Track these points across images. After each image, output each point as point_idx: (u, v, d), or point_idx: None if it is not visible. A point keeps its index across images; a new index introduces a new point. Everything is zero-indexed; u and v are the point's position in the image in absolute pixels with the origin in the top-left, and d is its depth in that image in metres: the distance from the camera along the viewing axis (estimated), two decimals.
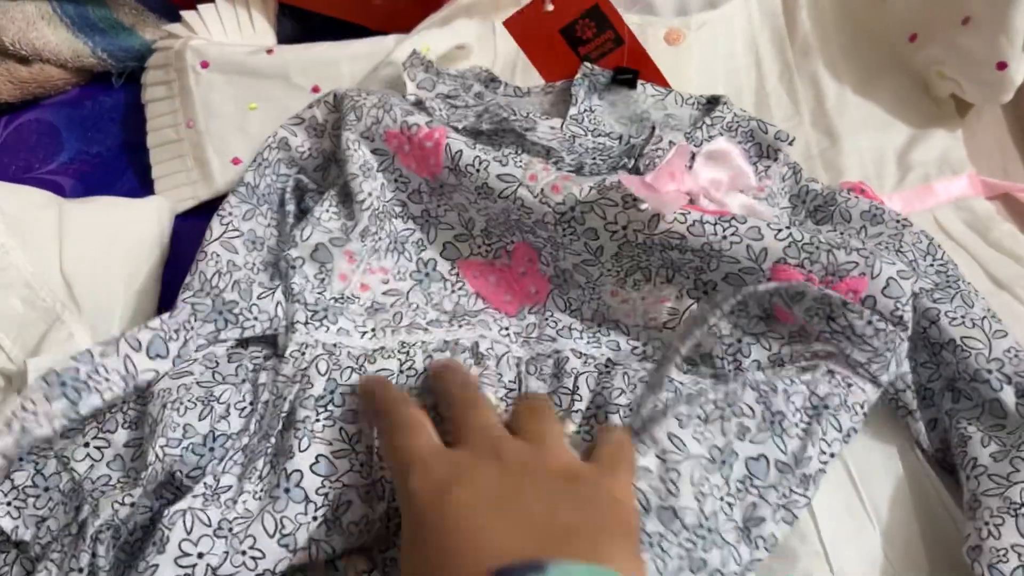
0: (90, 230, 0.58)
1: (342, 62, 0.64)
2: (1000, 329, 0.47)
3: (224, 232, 0.52)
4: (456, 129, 0.54)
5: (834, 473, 0.47)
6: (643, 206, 0.48)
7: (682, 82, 0.63)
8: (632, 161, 0.54)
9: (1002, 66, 0.57)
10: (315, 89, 0.63)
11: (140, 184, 0.66)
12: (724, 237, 0.46)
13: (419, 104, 0.56)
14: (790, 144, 0.55)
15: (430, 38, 0.63)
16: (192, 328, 0.47)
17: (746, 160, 0.52)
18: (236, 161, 0.64)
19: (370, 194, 0.52)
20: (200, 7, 0.67)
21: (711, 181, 0.50)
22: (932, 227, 0.57)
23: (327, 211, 0.53)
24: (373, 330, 0.51)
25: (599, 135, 0.57)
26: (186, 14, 0.67)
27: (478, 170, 0.51)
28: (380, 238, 0.54)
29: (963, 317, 0.47)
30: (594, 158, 0.54)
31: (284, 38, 0.71)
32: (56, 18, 0.71)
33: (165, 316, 0.47)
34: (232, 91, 0.63)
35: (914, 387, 0.48)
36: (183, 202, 0.64)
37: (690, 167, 0.51)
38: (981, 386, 0.45)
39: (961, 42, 0.58)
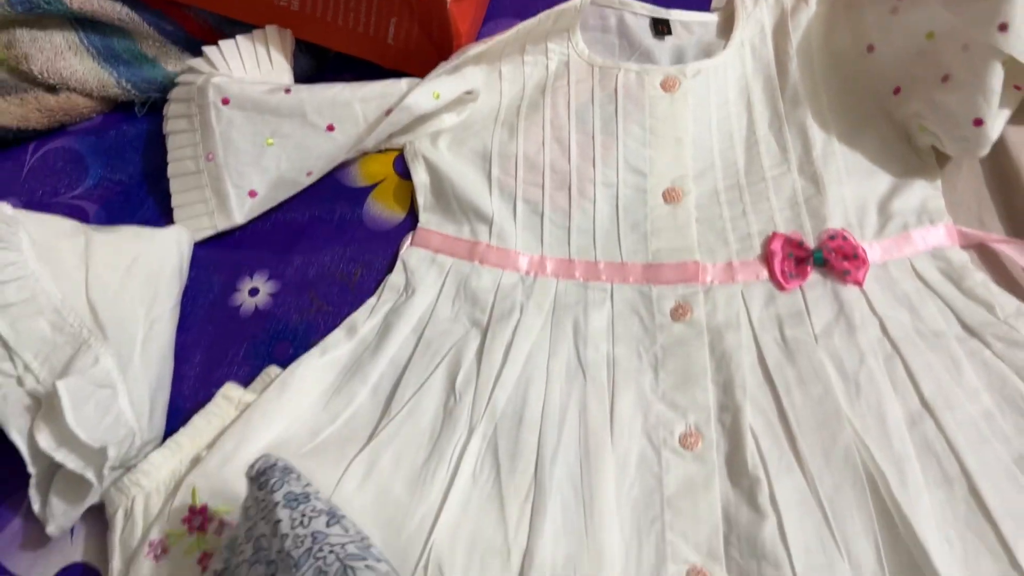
0: (114, 258, 0.61)
1: (355, 103, 0.67)
2: None
3: None
4: None
5: (807, 507, 0.51)
6: None
7: (677, 126, 0.67)
8: None
9: (979, 123, 0.60)
10: (330, 127, 0.67)
11: (160, 211, 0.70)
12: None
13: None
14: None
15: (440, 85, 0.67)
16: None
17: None
18: (253, 193, 0.67)
19: None
20: (221, 43, 0.71)
21: None
22: (910, 274, 0.60)
23: None
24: None
25: None
26: (207, 49, 0.71)
27: None
28: None
29: None
30: None
31: (300, 73, 0.75)
32: (83, 48, 0.74)
33: None
34: (251, 127, 0.67)
35: None
36: (201, 231, 0.67)
37: None
38: None
39: (941, 98, 0.62)
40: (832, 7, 0.71)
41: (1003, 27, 0.58)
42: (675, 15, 0.73)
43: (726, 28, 0.73)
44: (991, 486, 0.51)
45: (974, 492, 0.51)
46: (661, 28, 0.73)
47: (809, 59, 0.69)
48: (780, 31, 0.71)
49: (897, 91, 0.66)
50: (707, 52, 0.72)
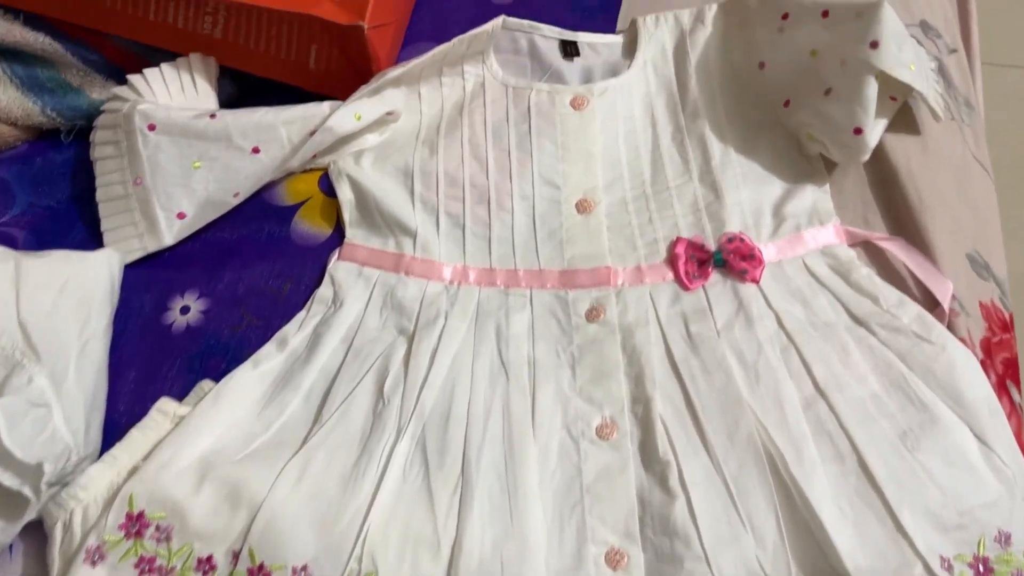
0: (46, 280, 0.62)
1: (279, 125, 0.70)
2: None
3: None
4: None
5: (714, 487, 0.55)
6: None
7: (587, 141, 0.72)
8: None
9: (858, 131, 0.66)
10: (255, 150, 0.69)
11: (90, 235, 0.71)
12: None
13: None
14: None
15: (361, 107, 0.70)
16: None
17: None
18: (181, 215, 0.69)
19: None
20: (146, 71, 0.73)
21: None
22: (802, 271, 0.66)
23: None
24: None
25: None
26: (132, 78, 0.73)
27: None
28: None
29: None
30: None
31: (224, 99, 0.77)
32: (6, 78, 0.75)
33: None
34: (177, 151, 0.69)
35: None
36: (132, 253, 0.69)
37: None
38: None
39: (825, 110, 0.68)
40: (727, 27, 0.77)
41: (874, 44, 0.64)
42: (583, 37, 0.78)
43: (630, 49, 0.78)
44: (878, 459, 0.56)
45: (863, 465, 0.56)
46: (569, 50, 0.78)
47: (707, 75, 0.75)
48: (680, 50, 0.77)
49: (787, 103, 0.72)
50: (613, 71, 0.77)
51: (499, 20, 0.75)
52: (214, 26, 0.75)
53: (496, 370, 0.62)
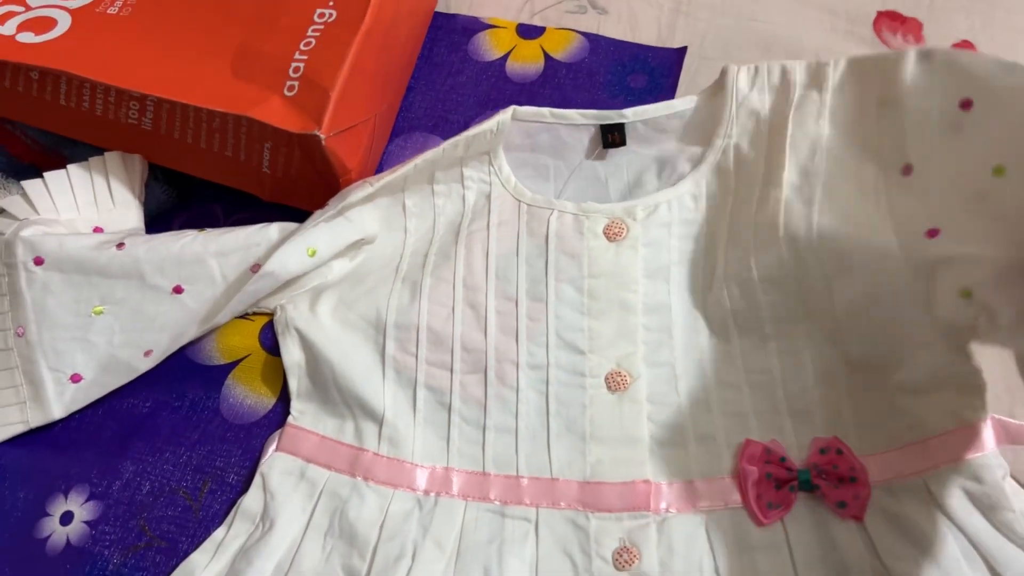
0: None
1: (209, 259, 0.52)
2: None
3: None
4: None
5: None
6: None
7: (624, 287, 0.52)
8: None
9: None
10: (177, 289, 0.52)
11: None
12: None
13: None
14: None
15: (317, 238, 0.52)
16: None
17: None
18: (76, 378, 0.52)
19: None
20: (47, 175, 0.56)
21: None
22: (924, 503, 0.45)
23: None
24: None
25: None
26: (28, 184, 0.55)
27: None
28: None
29: None
30: None
31: (156, 207, 0.60)
32: None
33: None
34: (73, 293, 0.52)
35: None
36: (9, 427, 0.52)
37: None
38: None
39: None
40: (860, 98, 0.52)
41: None
42: (634, 114, 0.57)
43: (711, 121, 0.56)
44: None
45: None
46: (613, 139, 0.57)
47: (812, 174, 0.52)
48: (777, 126, 0.53)
49: (933, 233, 0.48)
50: (676, 169, 0.56)
51: (508, 112, 0.56)
52: (141, 115, 0.57)
53: None
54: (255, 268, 0.52)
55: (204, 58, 0.55)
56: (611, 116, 0.57)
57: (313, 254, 0.52)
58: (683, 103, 0.57)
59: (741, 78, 0.55)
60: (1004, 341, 0.45)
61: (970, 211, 0.46)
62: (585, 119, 0.58)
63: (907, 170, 0.49)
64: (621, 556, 0.45)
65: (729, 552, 0.45)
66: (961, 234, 0.46)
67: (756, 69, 0.55)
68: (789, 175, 0.52)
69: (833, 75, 0.52)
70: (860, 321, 0.49)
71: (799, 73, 0.53)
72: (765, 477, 0.46)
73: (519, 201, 0.56)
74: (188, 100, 0.53)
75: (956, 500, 0.45)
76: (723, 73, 0.55)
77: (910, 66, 0.49)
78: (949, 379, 0.47)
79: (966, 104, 0.46)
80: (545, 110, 0.58)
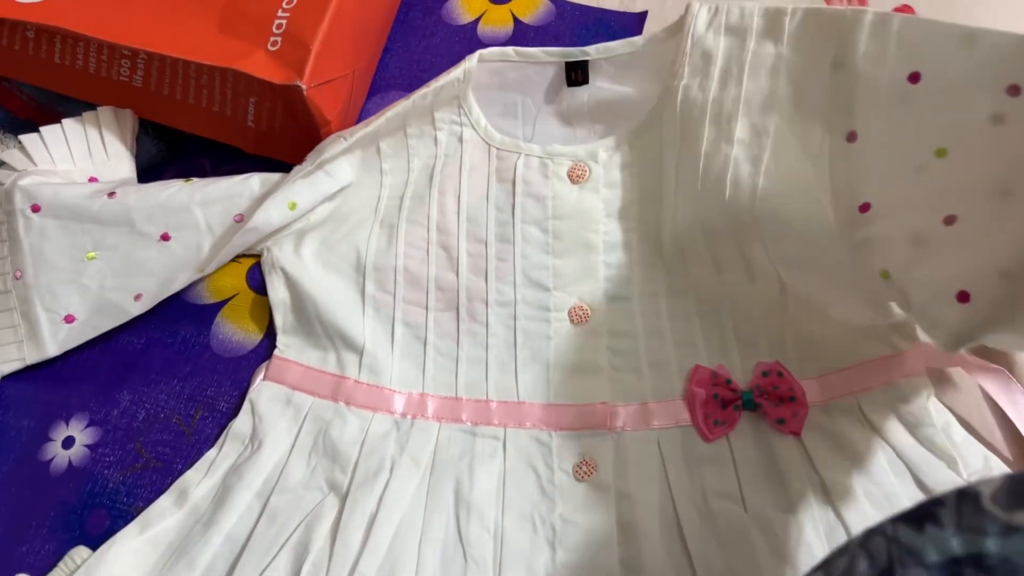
0: None
1: (194, 208, 0.56)
2: None
3: None
4: None
5: None
6: None
7: (586, 227, 0.56)
8: None
9: (964, 298, 0.42)
10: (164, 237, 0.55)
11: None
12: None
13: None
14: None
15: (298, 192, 0.55)
16: None
17: None
18: (70, 319, 0.55)
19: None
20: (43, 129, 0.59)
21: None
22: (857, 421, 0.50)
23: None
24: None
25: None
26: (25, 138, 0.59)
27: None
28: None
29: None
30: None
31: (147, 160, 0.63)
32: None
33: None
34: (67, 239, 0.55)
35: None
36: (8, 364, 0.55)
37: None
38: None
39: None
40: (813, 52, 0.51)
41: None
42: (596, 51, 0.58)
43: (664, 67, 0.57)
44: None
45: None
46: (576, 77, 0.59)
47: (761, 127, 0.52)
48: (728, 71, 0.53)
49: (864, 208, 0.47)
50: (636, 106, 0.58)
51: (473, 58, 0.58)
52: (132, 72, 0.60)
53: (451, 551, 0.47)
54: (238, 218, 0.56)
55: (192, 16, 0.58)
56: (575, 54, 0.59)
57: (293, 207, 0.55)
58: (645, 40, 0.58)
59: (700, 16, 0.55)
60: (919, 324, 0.47)
61: (904, 185, 0.45)
62: (549, 56, 0.59)
63: (852, 136, 0.48)
64: (580, 468, 0.50)
65: (679, 465, 0.49)
66: (890, 211, 0.46)
67: (716, 9, 0.54)
68: (740, 131, 0.52)
69: (790, 24, 0.52)
70: (797, 274, 0.52)
71: (756, 18, 0.53)
72: (712, 398, 0.51)
73: (489, 145, 0.59)
74: (176, 54, 0.56)
75: (885, 418, 0.50)
76: (687, 9, 0.55)
77: (865, 31, 0.48)
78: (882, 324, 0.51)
79: (914, 77, 0.45)
80: (510, 49, 0.59)
